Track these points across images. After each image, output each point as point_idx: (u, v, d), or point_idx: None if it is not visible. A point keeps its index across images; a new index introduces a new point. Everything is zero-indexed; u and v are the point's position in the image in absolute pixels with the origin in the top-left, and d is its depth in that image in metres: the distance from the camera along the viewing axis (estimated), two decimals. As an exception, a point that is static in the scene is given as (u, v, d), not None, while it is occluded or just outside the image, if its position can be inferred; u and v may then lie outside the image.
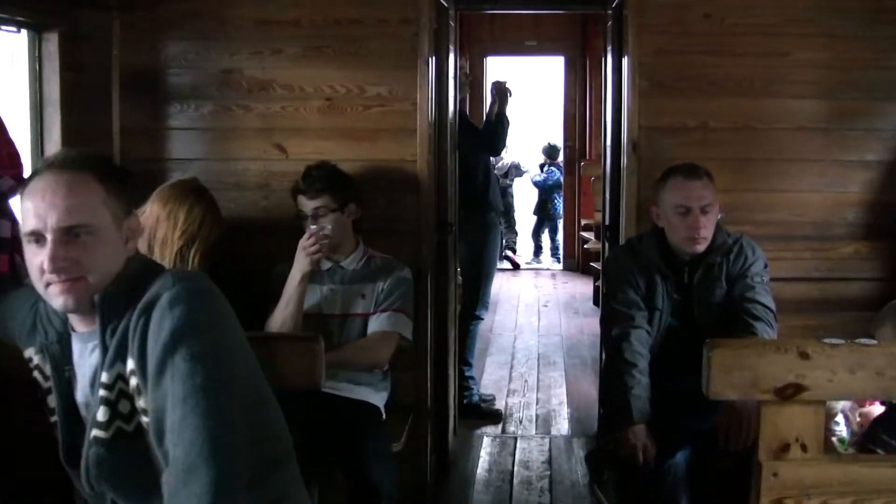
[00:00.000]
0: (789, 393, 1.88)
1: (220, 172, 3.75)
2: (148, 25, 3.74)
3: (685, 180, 3.16)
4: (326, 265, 3.42)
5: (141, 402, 1.80)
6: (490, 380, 5.98)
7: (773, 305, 3.20)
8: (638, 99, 3.61)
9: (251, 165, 3.76)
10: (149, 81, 3.76)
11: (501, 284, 8.94)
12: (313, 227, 3.26)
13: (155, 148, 3.79)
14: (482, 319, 5.31)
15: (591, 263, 7.34)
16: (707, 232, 3.15)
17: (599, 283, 5.75)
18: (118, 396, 1.84)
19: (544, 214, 9.95)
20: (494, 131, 5.02)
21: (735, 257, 3.23)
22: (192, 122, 3.77)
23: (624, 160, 3.70)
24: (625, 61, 3.73)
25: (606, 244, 4.35)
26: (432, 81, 3.74)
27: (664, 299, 3.23)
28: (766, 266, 3.26)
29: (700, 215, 3.12)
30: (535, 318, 7.74)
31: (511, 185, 9.74)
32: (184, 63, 3.75)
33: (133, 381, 1.80)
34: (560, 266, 10.01)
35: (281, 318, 3.25)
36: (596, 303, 7.86)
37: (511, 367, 6.32)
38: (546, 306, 8.24)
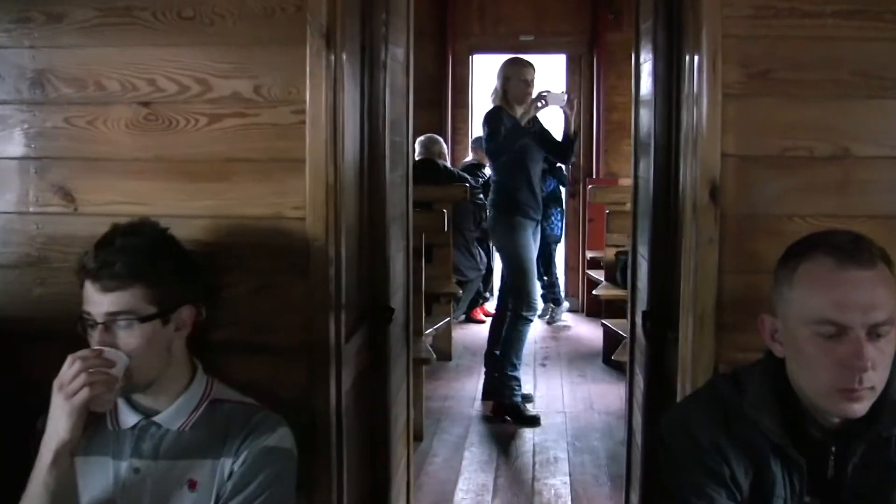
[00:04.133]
0: None
1: (-42, 235, 2.10)
2: None
3: (839, 268, 1.53)
4: (130, 420, 1.83)
5: None
6: (464, 495, 4.30)
7: None
8: (721, 103, 1.91)
9: (15, 224, 2.11)
10: None
11: (479, 335, 7.11)
12: (94, 350, 1.72)
13: None
14: (531, 321, 5.22)
15: (605, 322, 5.64)
16: (877, 376, 1.53)
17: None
18: None
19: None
20: (572, 144, 5.26)
21: None
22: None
23: (687, 215, 2.00)
24: (688, 32, 2.03)
25: (644, 341, 2.65)
26: (340, 72, 2.05)
27: (788, 505, 1.62)
28: None
29: (867, 342, 1.50)
30: (531, 384, 6.03)
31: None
32: None
33: None
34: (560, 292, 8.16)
35: (23, 524, 1.69)
36: (606, 361, 6.22)
37: (496, 469, 4.63)
38: (544, 365, 6.55)
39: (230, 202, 2.02)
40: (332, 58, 1.99)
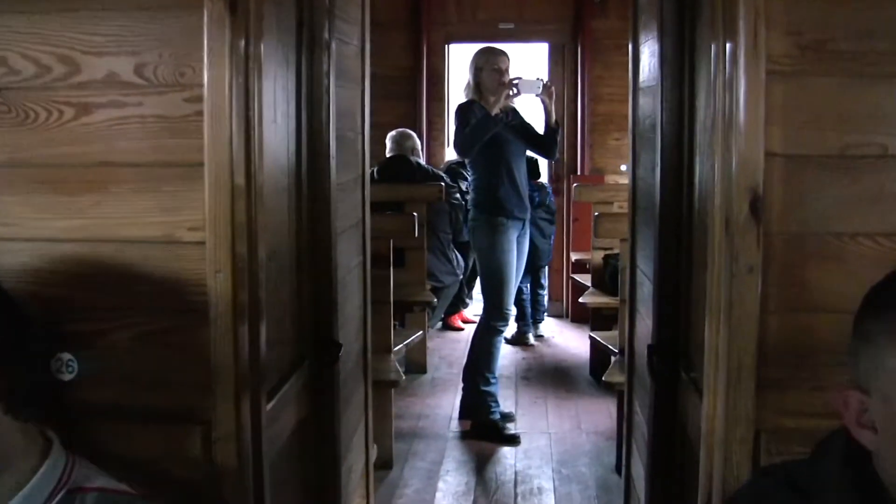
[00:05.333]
0: None
1: None
2: None
3: None
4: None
5: None
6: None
7: None
8: (763, 85, 1.42)
9: None
10: None
11: (457, 344, 6.67)
12: None
13: None
14: (501, 331, 4.86)
15: (593, 334, 5.15)
16: None
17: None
18: None
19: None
20: (555, 136, 4.91)
21: None
22: None
23: (716, 235, 1.51)
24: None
25: (648, 378, 2.18)
26: (255, 48, 1.55)
27: None
28: None
29: None
30: (512, 400, 5.56)
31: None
32: None
33: None
34: (544, 312, 7.64)
35: None
36: (594, 373, 5.77)
37: (474, 502, 4.14)
38: (526, 379, 6.07)
39: (105, 221, 1.52)
40: (242, 28, 1.49)
